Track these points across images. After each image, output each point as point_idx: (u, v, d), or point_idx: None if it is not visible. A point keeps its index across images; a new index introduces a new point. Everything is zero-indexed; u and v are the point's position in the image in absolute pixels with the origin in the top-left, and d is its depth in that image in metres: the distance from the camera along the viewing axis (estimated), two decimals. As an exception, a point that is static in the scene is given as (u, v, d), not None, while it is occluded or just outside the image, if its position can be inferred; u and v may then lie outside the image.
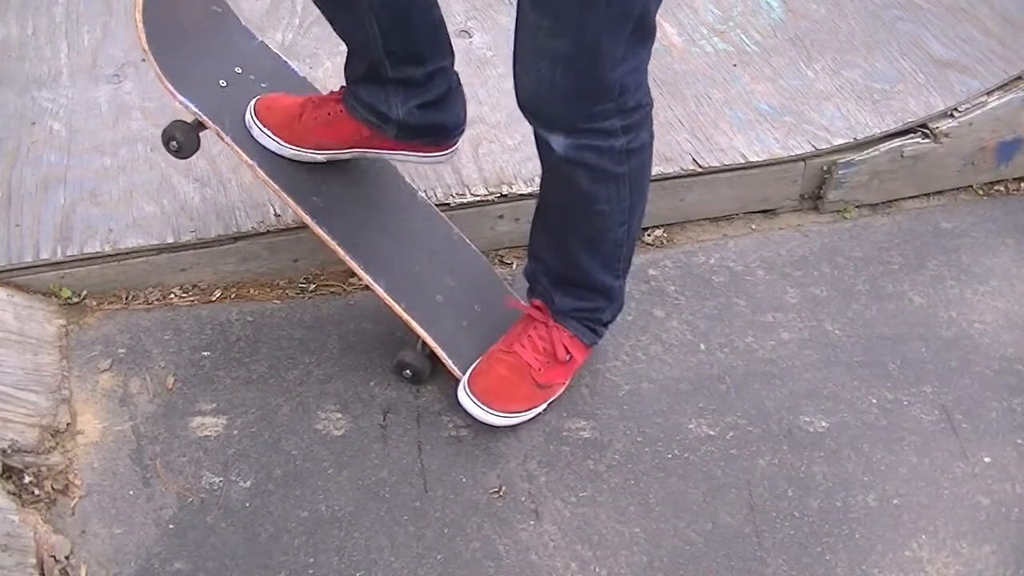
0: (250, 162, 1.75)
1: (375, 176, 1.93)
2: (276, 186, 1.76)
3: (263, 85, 1.83)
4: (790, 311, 2.04)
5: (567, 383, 1.86)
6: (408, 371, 1.85)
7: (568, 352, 1.81)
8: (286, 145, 1.79)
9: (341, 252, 1.78)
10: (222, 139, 1.75)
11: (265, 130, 1.77)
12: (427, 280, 1.87)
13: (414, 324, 1.80)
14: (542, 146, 1.61)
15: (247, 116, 1.78)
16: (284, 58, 1.89)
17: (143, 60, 2.30)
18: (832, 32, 2.48)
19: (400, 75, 1.70)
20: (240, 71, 1.82)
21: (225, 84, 1.79)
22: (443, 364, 1.82)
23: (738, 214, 2.25)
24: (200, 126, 1.77)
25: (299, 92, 1.88)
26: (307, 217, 1.77)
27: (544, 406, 1.83)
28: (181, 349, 1.92)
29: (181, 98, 1.71)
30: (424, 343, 1.82)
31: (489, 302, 1.92)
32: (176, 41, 1.74)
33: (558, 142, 1.56)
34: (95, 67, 2.34)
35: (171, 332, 1.95)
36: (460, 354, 1.82)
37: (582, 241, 1.72)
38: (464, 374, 1.80)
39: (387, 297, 1.79)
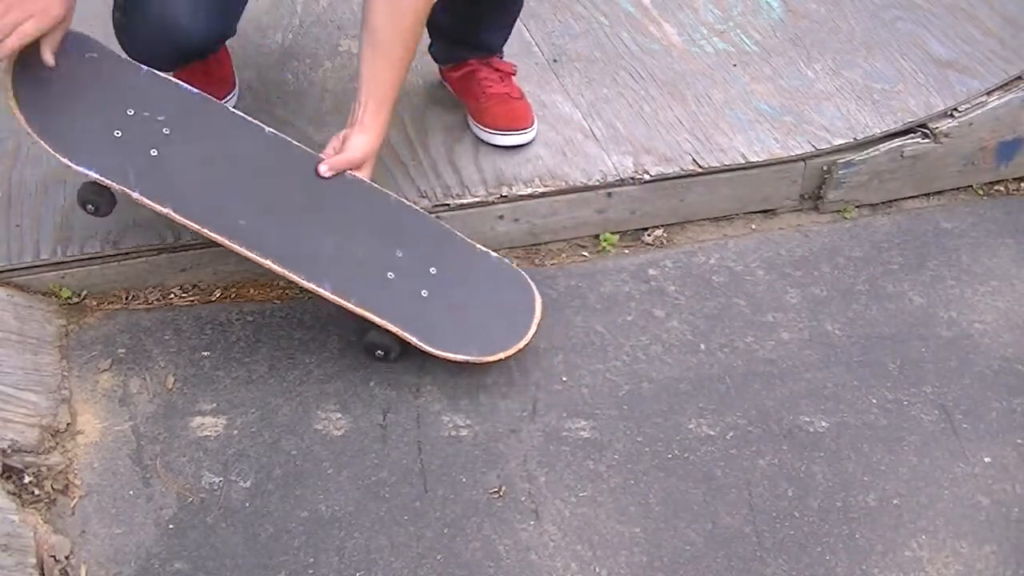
0: (163, 210, 1.72)
1: (297, 172, 1.85)
2: (196, 226, 1.73)
3: (160, 118, 1.78)
4: (790, 311, 2.04)
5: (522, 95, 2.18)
6: (379, 351, 1.85)
7: (508, 66, 2.16)
8: None
9: (279, 269, 1.75)
10: (129, 196, 1.72)
11: None
12: (374, 262, 1.83)
13: (370, 316, 1.78)
14: None
15: None
16: (175, 80, 1.82)
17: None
18: (832, 32, 2.48)
19: None
20: (132, 112, 1.77)
21: (120, 134, 1.74)
22: (408, 342, 1.81)
23: (738, 214, 2.25)
24: None
25: (202, 112, 1.81)
26: (239, 248, 1.74)
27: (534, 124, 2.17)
28: (181, 349, 1.92)
29: (79, 168, 1.69)
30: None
31: (444, 259, 1.88)
32: (58, 107, 1.71)
33: None
34: (95, 67, 2.34)
35: (171, 332, 1.95)
36: (423, 327, 1.80)
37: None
38: (431, 346, 1.79)
39: (335, 298, 1.77)
